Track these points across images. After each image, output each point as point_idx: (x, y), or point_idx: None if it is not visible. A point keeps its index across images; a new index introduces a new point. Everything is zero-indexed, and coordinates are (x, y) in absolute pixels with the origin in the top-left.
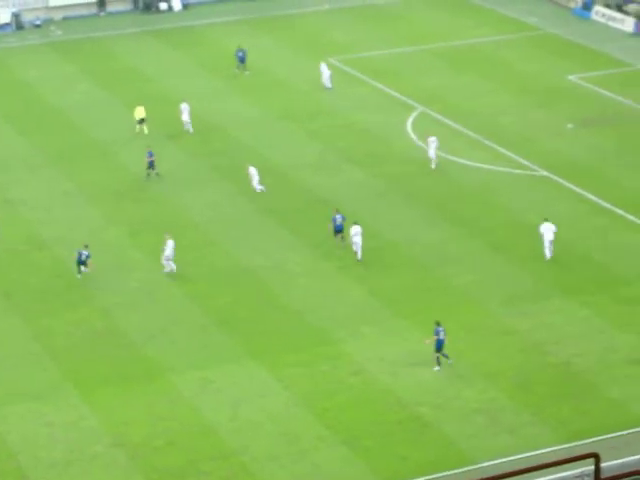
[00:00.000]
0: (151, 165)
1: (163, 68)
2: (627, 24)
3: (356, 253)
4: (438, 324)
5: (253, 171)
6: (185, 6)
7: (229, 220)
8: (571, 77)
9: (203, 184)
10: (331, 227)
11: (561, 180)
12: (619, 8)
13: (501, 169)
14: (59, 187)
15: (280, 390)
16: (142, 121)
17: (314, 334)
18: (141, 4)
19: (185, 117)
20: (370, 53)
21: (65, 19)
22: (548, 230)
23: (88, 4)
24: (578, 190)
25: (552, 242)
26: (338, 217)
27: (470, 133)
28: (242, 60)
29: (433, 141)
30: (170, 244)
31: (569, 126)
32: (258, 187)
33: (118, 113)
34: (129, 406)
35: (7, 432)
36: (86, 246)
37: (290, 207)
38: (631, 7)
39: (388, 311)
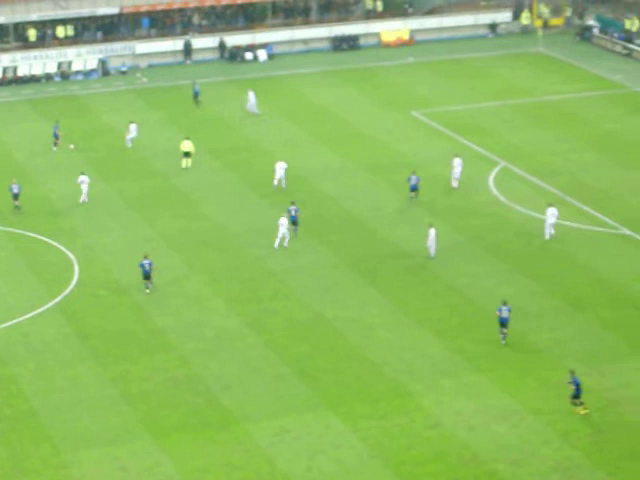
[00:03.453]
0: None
1: (247, 117)
2: None
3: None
4: (504, 303)
5: (280, 166)
6: (270, 56)
7: (308, 270)
8: None
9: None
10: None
11: None
12: None
13: (583, 227)
14: (140, 233)
15: (356, 442)
16: (187, 154)
17: (391, 386)
18: (227, 54)
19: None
20: (453, 107)
21: (151, 66)
22: (551, 215)
23: (174, 52)
24: None
25: (553, 225)
26: (413, 178)
27: (552, 189)
28: (196, 95)
29: (458, 163)
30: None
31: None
32: (275, 182)
33: (201, 161)
34: (204, 454)
35: (82, 476)
36: (146, 256)
37: (369, 258)
38: None
39: (465, 365)
